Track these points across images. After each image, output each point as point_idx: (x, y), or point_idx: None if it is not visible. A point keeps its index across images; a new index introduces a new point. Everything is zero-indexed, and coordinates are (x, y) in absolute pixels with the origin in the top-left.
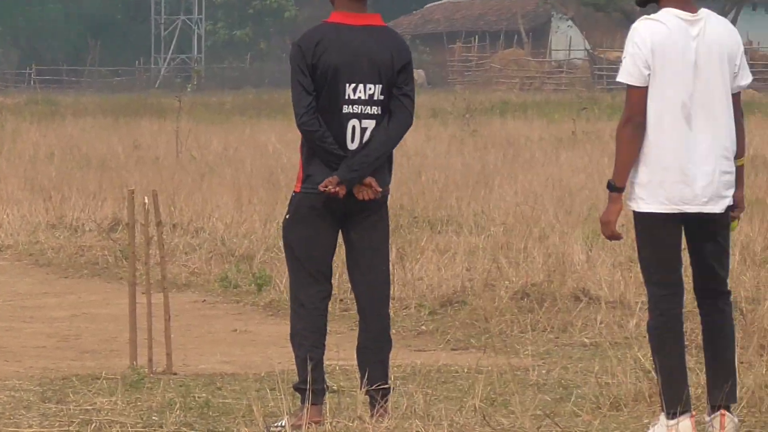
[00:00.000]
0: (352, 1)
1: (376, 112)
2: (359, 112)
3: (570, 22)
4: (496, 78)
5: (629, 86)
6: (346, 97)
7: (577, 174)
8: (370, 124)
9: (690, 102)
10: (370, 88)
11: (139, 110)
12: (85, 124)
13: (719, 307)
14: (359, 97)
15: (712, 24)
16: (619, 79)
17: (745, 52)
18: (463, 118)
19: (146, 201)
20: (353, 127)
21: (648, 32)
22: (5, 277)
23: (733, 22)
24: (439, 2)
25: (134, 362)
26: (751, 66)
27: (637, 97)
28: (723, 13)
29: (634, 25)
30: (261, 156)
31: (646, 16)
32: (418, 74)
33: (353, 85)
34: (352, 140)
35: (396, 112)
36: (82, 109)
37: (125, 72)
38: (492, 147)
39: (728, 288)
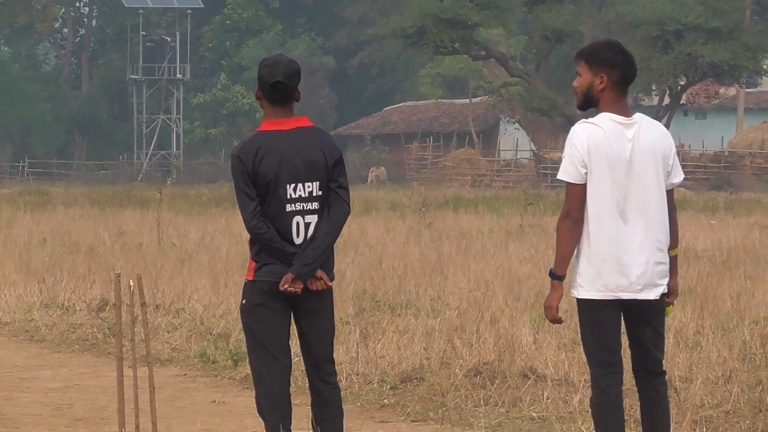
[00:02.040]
0: (278, 110)
1: (316, 207)
2: (302, 209)
3: (517, 125)
4: (450, 175)
5: (568, 184)
6: (288, 197)
7: (524, 263)
8: (312, 218)
9: (624, 198)
10: (308, 186)
11: (123, 201)
12: (74, 213)
13: (655, 386)
14: (300, 195)
15: (646, 127)
16: (558, 177)
17: (677, 153)
18: (419, 211)
19: (131, 284)
20: (297, 223)
21: (585, 134)
22: (3, 351)
23: (666, 126)
24: (397, 105)
25: (122, 430)
26: (683, 166)
27: (574, 193)
28: (657, 118)
29: (573, 128)
30: (236, 243)
31: (584, 120)
32: (381, 171)
33: (293, 185)
34: (298, 235)
35: (334, 204)
36: (71, 200)
37: (110, 166)
38: (446, 238)
39: (664, 368)
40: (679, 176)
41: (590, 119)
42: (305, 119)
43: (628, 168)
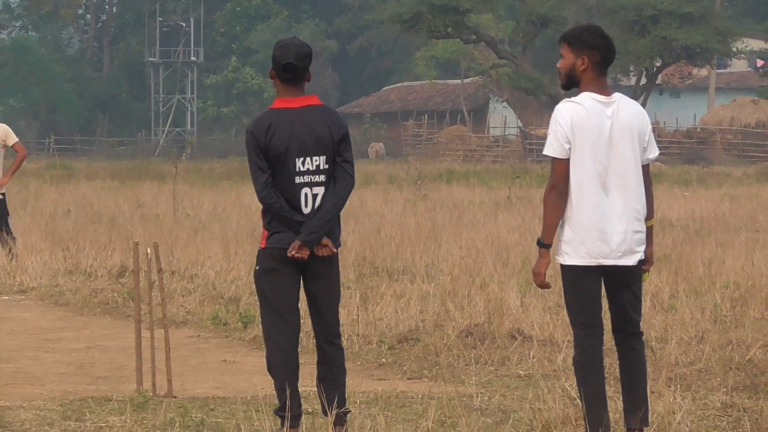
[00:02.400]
0: (290, 89)
1: (323, 180)
2: (309, 181)
3: (505, 104)
4: (443, 151)
5: (553, 158)
6: (297, 169)
7: (512, 232)
8: (319, 190)
9: (605, 172)
10: (315, 160)
11: (141, 175)
12: (96, 186)
13: (633, 345)
14: (308, 169)
15: (624, 106)
16: (544, 152)
17: (653, 130)
18: (415, 184)
19: (149, 251)
20: (305, 195)
21: (568, 112)
22: (30, 314)
23: (643, 104)
24: (395, 86)
25: (140, 387)
26: (658, 142)
27: (559, 167)
28: (635, 97)
29: (557, 107)
30: (245, 214)
31: (567, 99)
32: (380, 146)
33: (301, 158)
34: (306, 205)
35: (339, 177)
36: (94, 173)
37: (129, 142)
38: (440, 209)
39: (641, 329)
40: (654, 152)
41: (573, 98)
42: (314, 98)
43: (607, 143)
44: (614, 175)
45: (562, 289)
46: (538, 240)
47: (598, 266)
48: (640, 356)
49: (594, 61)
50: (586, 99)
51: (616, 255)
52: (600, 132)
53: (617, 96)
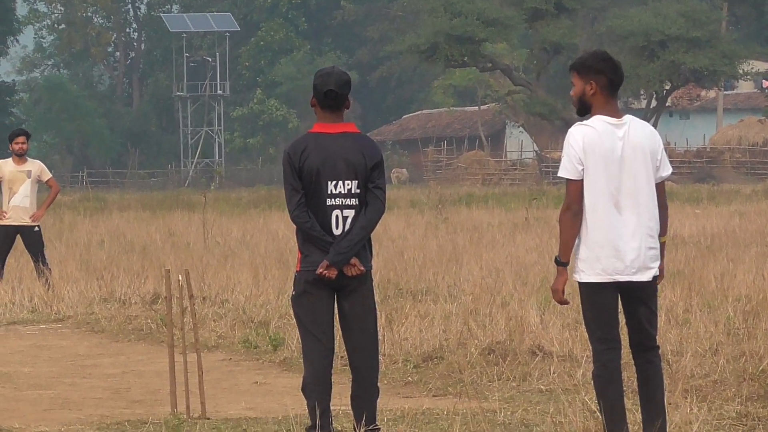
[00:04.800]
0: (328, 115)
1: (354, 203)
2: (340, 203)
3: (521, 129)
4: (462, 175)
5: (567, 180)
6: (329, 192)
7: (530, 252)
8: (350, 213)
9: (618, 191)
10: (347, 184)
11: (172, 205)
12: (128, 216)
13: (650, 359)
14: (339, 192)
15: (635, 127)
16: (559, 174)
17: (664, 150)
18: (436, 208)
19: (180, 278)
20: (336, 216)
21: (580, 135)
22: (67, 341)
23: (654, 126)
24: (414, 114)
25: (175, 409)
26: (669, 162)
27: (574, 188)
28: (645, 119)
29: (569, 130)
30: (273, 240)
31: (579, 122)
32: (402, 172)
33: (334, 182)
34: (337, 227)
35: (371, 203)
36: (126, 205)
37: (160, 174)
38: (460, 231)
39: (657, 343)
40: (667, 170)
41: (585, 121)
42: (352, 125)
43: (620, 163)
44: (627, 194)
45: (580, 305)
46: (556, 258)
47: (613, 282)
48: (657, 369)
49: (601, 85)
50: (598, 122)
51: (630, 271)
52: (612, 153)
53: (628, 118)
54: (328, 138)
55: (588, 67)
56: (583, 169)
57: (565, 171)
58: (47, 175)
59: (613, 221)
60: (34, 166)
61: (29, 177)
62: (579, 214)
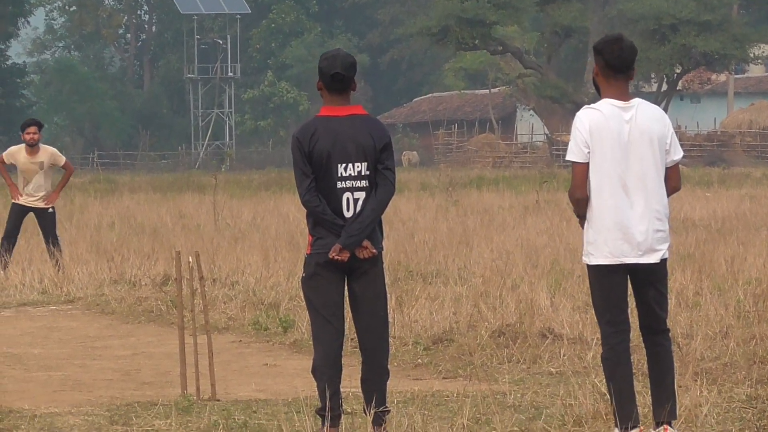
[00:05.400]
0: (336, 98)
1: (364, 185)
2: (351, 186)
3: (532, 112)
4: (473, 158)
5: (573, 162)
6: (339, 175)
7: (541, 235)
8: (361, 195)
9: (624, 174)
10: (357, 167)
11: (182, 187)
12: (139, 198)
13: (660, 342)
14: (350, 174)
15: (644, 110)
16: (566, 158)
17: (675, 133)
18: (446, 190)
19: (191, 260)
20: (347, 199)
21: (587, 118)
22: (77, 323)
23: (665, 110)
24: (425, 97)
25: (185, 391)
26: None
27: (579, 171)
28: (656, 103)
29: (577, 114)
30: (283, 223)
31: (587, 106)
32: (413, 155)
33: (344, 164)
34: (348, 209)
35: (381, 184)
36: (137, 187)
37: (170, 156)
38: (471, 214)
39: (667, 326)
40: (678, 153)
41: (592, 105)
42: (360, 108)
43: (626, 146)
44: (634, 177)
45: (589, 288)
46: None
47: (621, 265)
48: (667, 352)
49: (600, 66)
50: (605, 105)
51: (637, 253)
52: (619, 136)
53: (636, 101)
54: (337, 121)
55: (594, 50)
56: (589, 152)
57: (571, 154)
58: (61, 160)
59: (621, 204)
60: (46, 155)
61: (41, 169)
62: (585, 196)
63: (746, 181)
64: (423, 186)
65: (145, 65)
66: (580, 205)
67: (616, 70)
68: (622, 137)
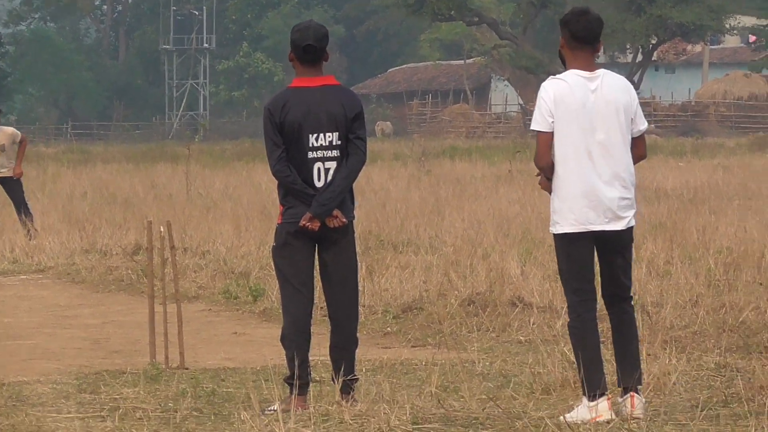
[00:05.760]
0: (308, 69)
1: (335, 155)
2: (322, 156)
3: (506, 82)
4: (446, 128)
5: (538, 132)
6: (310, 145)
7: (512, 204)
8: (332, 165)
9: (590, 142)
10: (329, 136)
11: (155, 157)
12: (112, 168)
13: (625, 309)
14: (321, 144)
15: (609, 80)
16: (531, 127)
17: (648, 104)
18: (419, 160)
19: (162, 230)
20: (318, 169)
21: (552, 88)
22: (48, 292)
23: (640, 80)
24: (400, 67)
25: (153, 359)
26: (653, 115)
27: (543, 140)
28: (631, 73)
29: (542, 84)
30: (255, 193)
31: (552, 76)
32: (387, 125)
33: (315, 134)
34: (319, 179)
35: (352, 153)
36: (110, 157)
37: (144, 126)
38: (443, 183)
39: (631, 294)
40: (643, 123)
41: (558, 75)
42: (332, 78)
43: (592, 115)
44: (599, 146)
45: (556, 258)
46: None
47: (587, 232)
48: (632, 320)
49: (566, 38)
50: (570, 75)
51: (603, 221)
52: (584, 105)
53: (601, 72)
54: (309, 92)
55: (561, 22)
56: (553, 122)
57: (536, 123)
58: (18, 137)
59: (586, 172)
60: (5, 137)
61: (2, 150)
62: (549, 164)
63: (719, 151)
64: (396, 156)
65: (121, 36)
66: (546, 171)
67: (583, 41)
68: (587, 107)
